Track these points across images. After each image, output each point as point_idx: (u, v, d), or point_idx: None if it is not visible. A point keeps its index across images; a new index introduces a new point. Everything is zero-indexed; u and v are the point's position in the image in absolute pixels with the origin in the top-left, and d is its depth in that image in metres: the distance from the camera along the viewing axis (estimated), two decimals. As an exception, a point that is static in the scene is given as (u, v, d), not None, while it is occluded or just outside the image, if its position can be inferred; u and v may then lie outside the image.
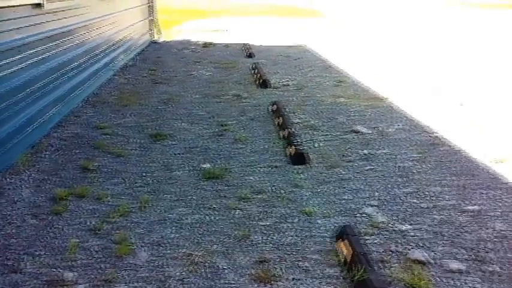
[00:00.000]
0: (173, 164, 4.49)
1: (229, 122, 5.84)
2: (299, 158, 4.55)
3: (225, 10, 22.82)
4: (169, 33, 13.64)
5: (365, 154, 4.91)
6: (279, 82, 8.11)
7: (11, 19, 4.42)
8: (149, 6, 12.17)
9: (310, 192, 3.98)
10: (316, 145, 5.12)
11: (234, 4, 26.15)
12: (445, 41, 13.72)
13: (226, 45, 12.02)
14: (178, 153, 4.77)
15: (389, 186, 4.16)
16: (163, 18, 14.40)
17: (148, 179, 4.15)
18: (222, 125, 5.70)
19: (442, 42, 13.52)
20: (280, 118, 5.68)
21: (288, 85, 7.92)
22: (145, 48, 10.95)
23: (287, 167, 4.51)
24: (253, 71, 8.81)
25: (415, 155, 4.92)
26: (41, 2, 5.04)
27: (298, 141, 4.84)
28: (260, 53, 11.09)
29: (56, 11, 5.56)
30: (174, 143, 5.07)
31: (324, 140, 5.29)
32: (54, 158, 4.51)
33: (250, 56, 10.46)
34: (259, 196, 3.88)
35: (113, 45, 8.36)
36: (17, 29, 4.56)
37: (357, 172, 4.45)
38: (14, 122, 4.40)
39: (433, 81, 8.67)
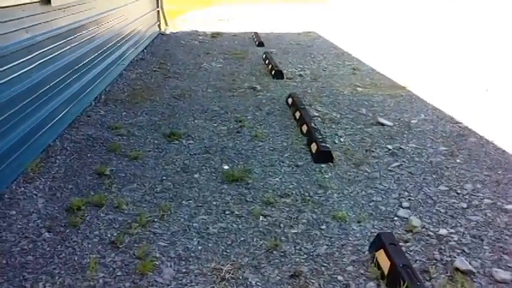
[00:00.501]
0: (191, 165, 4.27)
1: (246, 118, 5.60)
2: (323, 156, 4.32)
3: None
4: (174, 24, 13.35)
5: (391, 149, 4.67)
6: (292, 72, 7.85)
7: (19, 18, 4.19)
8: (156, -4, 11.89)
9: (337, 194, 3.75)
10: (338, 140, 4.88)
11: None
12: (461, 27, 13.31)
13: (235, 35, 11.73)
14: (196, 154, 4.55)
15: (419, 184, 3.93)
16: (168, 8, 14.09)
17: (167, 183, 3.94)
18: (238, 121, 5.47)
19: (457, 28, 13.13)
20: (299, 112, 5.44)
21: (302, 75, 7.65)
22: (153, 41, 10.69)
23: (310, 165, 4.28)
24: (265, 61, 8.53)
25: (443, 148, 4.67)
26: (49, -1, 4.79)
27: (320, 137, 4.58)
28: (270, 41, 10.80)
29: (64, 7, 5.32)
30: (190, 142, 4.85)
31: (346, 135, 5.05)
32: (68, 163, 4.30)
33: (260, 44, 10.18)
34: (284, 200, 3.66)
35: (122, 39, 8.11)
36: (26, 27, 4.33)
37: (385, 169, 4.22)
38: (25, 126, 4.20)
39: (451, 67, 8.37)
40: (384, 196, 3.74)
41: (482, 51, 9.79)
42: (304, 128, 5.01)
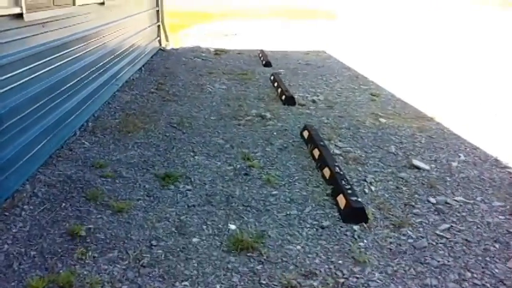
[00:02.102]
0: (189, 224, 3.34)
1: (254, 154, 4.69)
2: (355, 215, 3.39)
3: (231, 13, 21.64)
4: (176, 39, 12.50)
5: (435, 203, 3.75)
6: (304, 97, 6.96)
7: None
8: (157, 10, 11.02)
9: (380, 274, 2.82)
10: (368, 189, 3.96)
11: (240, 6, 24.94)
12: (480, 44, 12.48)
13: (240, 52, 10.87)
14: (195, 205, 3.62)
15: (482, 259, 3.01)
16: (169, 22, 13.25)
17: (157, 251, 3.01)
18: (245, 159, 4.56)
19: (476, 45, 12.30)
20: (318, 150, 4.52)
21: (316, 101, 6.76)
22: (152, 57, 9.82)
23: (339, 227, 3.35)
24: (273, 84, 7.65)
25: (498, 204, 3.76)
26: (22, 12, 3.90)
27: (348, 188, 3.66)
28: (277, 60, 9.93)
29: (43, 22, 4.43)
30: (188, 188, 3.92)
31: (377, 181, 4.13)
32: (36, 216, 3.38)
33: (267, 64, 9.31)
34: (310, 282, 2.73)
35: (117, 56, 7.23)
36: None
37: (433, 234, 3.29)
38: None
39: (478, 92, 7.49)
40: (439, 277, 2.82)
41: (502, 70, 8.92)
42: (327, 172, 4.09)
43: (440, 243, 3.20)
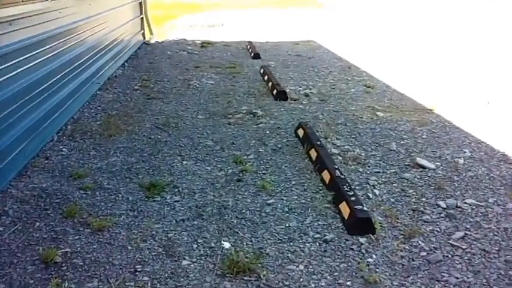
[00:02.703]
0: (177, 242, 2.98)
1: (247, 157, 4.33)
2: (361, 226, 3.05)
3: (220, 3, 21.09)
4: (162, 31, 12.03)
5: (445, 208, 3.43)
6: (297, 91, 6.59)
7: None
8: (140, 2, 10.53)
9: (394, 297, 2.47)
10: (372, 194, 3.62)
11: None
12: (475, 31, 12.17)
13: (227, 44, 10.44)
14: (183, 220, 3.26)
15: (504, 272, 2.69)
16: (156, 14, 12.78)
17: (143, 277, 2.64)
18: (237, 162, 4.20)
19: (470, 32, 11.99)
20: (315, 151, 4.16)
21: (309, 95, 6.39)
22: (136, 52, 9.36)
23: (344, 240, 3.01)
24: (263, 77, 7.26)
25: (513, 206, 3.42)
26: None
27: (351, 194, 3.31)
28: (266, 52, 9.53)
29: (11, 20, 3.99)
30: (175, 198, 3.56)
31: (380, 184, 3.79)
32: (6, 240, 3.00)
33: (256, 56, 8.91)
34: (317, 311, 2.37)
35: (98, 52, 6.79)
36: None
37: (446, 245, 2.97)
38: None
39: (475, 80, 7.17)
40: (460, 298, 2.48)
41: (497, 57, 8.62)
42: (326, 175, 3.74)
43: (456, 255, 2.88)
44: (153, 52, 9.47)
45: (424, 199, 3.56)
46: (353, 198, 3.27)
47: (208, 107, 5.88)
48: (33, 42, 4.46)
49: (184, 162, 4.24)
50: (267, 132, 4.99)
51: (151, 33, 10.90)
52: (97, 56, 6.73)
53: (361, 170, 4.08)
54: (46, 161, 4.20)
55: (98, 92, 6.42)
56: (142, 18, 10.55)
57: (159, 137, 4.84)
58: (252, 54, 9.01)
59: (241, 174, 3.98)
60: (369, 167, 4.15)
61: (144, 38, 10.56)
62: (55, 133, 4.83)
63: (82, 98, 5.84)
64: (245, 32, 12.13)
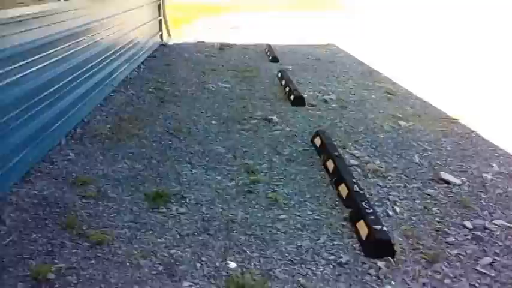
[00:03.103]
0: (180, 260, 2.76)
1: (260, 167, 4.08)
2: (379, 248, 2.77)
3: (239, 5, 20.89)
4: (179, 33, 11.86)
5: (471, 229, 3.13)
6: (314, 96, 6.32)
7: None
8: (159, 4, 10.38)
9: (416, 335, 2.20)
10: (392, 211, 3.34)
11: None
12: (500, 39, 11.72)
13: (245, 47, 10.22)
14: (188, 234, 3.03)
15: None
16: (174, 15, 12.64)
17: (139, 300, 2.41)
18: (249, 172, 3.96)
19: (496, 40, 11.54)
20: (332, 162, 3.89)
21: (327, 101, 6.12)
22: (153, 53, 9.20)
23: (361, 264, 2.74)
24: (280, 81, 7.01)
25: (548, 230, 3.10)
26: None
27: (370, 212, 3.04)
28: (284, 55, 9.27)
29: (18, 21, 3.83)
30: (181, 210, 3.33)
31: (402, 200, 3.51)
32: (-1, 251, 2.80)
33: (274, 60, 8.66)
34: None
35: (114, 53, 6.64)
36: None
37: (473, 272, 2.69)
38: None
39: (501, 89, 6.80)
40: (491, 337, 2.19)
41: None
42: (343, 190, 3.47)
43: (484, 284, 2.59)
44: (170, 54, 9.30)
45: (448, 218, 3.27)
46: (372, 217, 2.99)
47: (222, 111, 5.65)
48: (44, 42, 4.30)
49: (194, 170, 4.02)
50: (282, 140, 4.74)
51: (169, 34, 10.75)
52: (112, 58, 6.57)
53: (381, 183, 3.80)
54: (51, 166, 4.02)
55: (111, 94, 6.25)
56: (160, 20, 10.40)
57: (170, 142, 4.63)
58: (270, 58, 8.77)
59: (252, 186, 3.73)
60: (389, 180, 3.87)
61: (162, 39, 10.42)
62: (63, 136, 4.65)
63: (94, 101, 5.67)
64: (264, 35, 11.90)
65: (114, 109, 5.68)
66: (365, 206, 3.15)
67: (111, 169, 4.00)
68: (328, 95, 6.41)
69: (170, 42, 10.48)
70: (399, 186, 3.76)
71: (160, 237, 3.00)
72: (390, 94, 6.50)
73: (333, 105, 5.97)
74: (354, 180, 3.53)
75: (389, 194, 3.62)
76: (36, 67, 4.14)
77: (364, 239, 2.89)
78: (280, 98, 6.26)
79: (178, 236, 3.01)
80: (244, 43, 10.74)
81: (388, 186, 3.76)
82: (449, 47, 10.37)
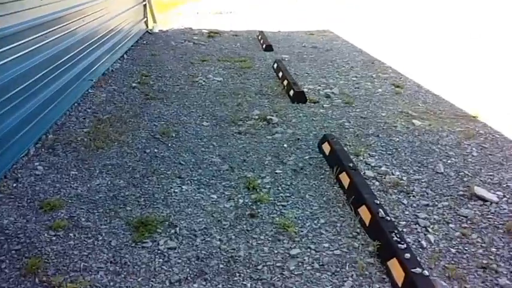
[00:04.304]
0: (171, 322, 2.11)
1: (262, 181, 3.45)
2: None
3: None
4: (166, 19, 11.07)
5: (525, 266, 2.51)
6: (316, 91, 5.68)
7: None
8: (143, -13, 9.57)
9: None
10: (426, 241, 2.74)
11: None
12: (498, 24, 11.12)
13: (236, 34, 9.49)
14: (180, 280, 2.42)
15: None
16: (158, 0, 11.79)
17: None
18: (249, 188, 3.33)
19: (495, 25, 10.94)
20: (346, 174, 3.27)
21: (330, 96, 5.48)
22: (137, 42, 8.45)
23: (400, 322, 2.12)
24: (277, 73, 6.34)
25: None
26: None
27: (403, 246, 2.43)
28: (279, 43, 8.58)
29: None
30: (171, 244, 2.71)
31: (433, 223, 2.93)
32: None
33: (268, 48, 7.96)
34: None
35: (93, 44, 5.91)
36: None
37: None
38: None
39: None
40: None
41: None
42: (365, 214, 2.86)
43: None
44: (156, 42, 8.55)
45: (494, 250, 2.68)
46: (407, 255, 2.38)
47: (215, 110, 4.99)
48: (5, 35, 3.58)
49: (184, 187, 3.37)
50: (285, 145, 4.10)
51: (154, 21, 9.97)
52: (91, 49, 5.85)
53: (405, 201, 3.19)
54: (14, 185, 3.35)
55: (90, 91, 5.54)
56: (145, 5, 9.60)
57: (156, 150, 3.97)
58: (264, 46, 8.07)
59: (255, 207, 3.10)
60: (414, 197, 3.26)
61: (147, 26, 9.64)
62: (32, 144, 3.96)
63: (70, 99, 4.97)
64: (255, 21, 11.17)
65: (92, 108, 4.98)
66: (396, 238, 2.53)
67: (86, 187, 3.34)
68: (331, 88, 5.77)
69: (156, 30, 9.70)
70: (427, 205, 3.16)
71: (145, 285, 2.36)
72: (397, 87, 5.88)
73: (337, 100, 5.34)
74: (377, 202, 2.91)
75: (418, 216, 3.01)
76: (0, 62, 3.44)
77: (400, 285, 2.28)
78: (278, 92, 5.60)
79: (167, 283, 2.38)
80: (235, 29, 10.01)
81: (413, 205, 3.16)
82: (451, 36, 9.74)
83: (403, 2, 14.80)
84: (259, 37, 8.76)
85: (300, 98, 5.23)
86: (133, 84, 5.88)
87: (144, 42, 8.57)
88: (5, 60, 3.58)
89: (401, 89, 5.82)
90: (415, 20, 11.56)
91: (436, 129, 4.50)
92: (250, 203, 3.16)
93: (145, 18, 9.59)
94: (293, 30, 9.96)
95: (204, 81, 6.08)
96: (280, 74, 6.16)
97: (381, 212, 2.78)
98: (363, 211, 2.91)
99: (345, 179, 3.31)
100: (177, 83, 5.99)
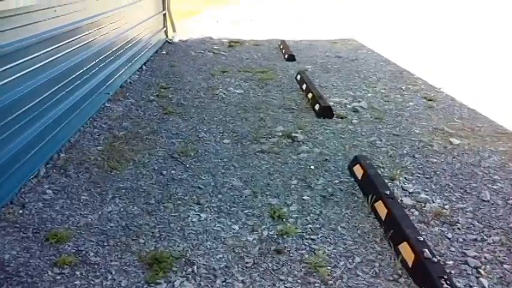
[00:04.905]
0: None
1: (288, 209, 3.12)
2: None
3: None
4: (186, 28, 10.83)
5: None
6: (342, 104, 5.32)
7: None
8: (163, -4, 9.37)
9: None
10: (478, 286, 2.34)
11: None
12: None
13: (257, 43, 9.20)
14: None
15: None
16: (179, 8, 11.61)
17: None
18: (274, 218, 3.00)
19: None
20: (383, 204, 2.91)
21: (358, 110, 5.12)
22: (157, 52, 8.21)
23: None
24: (300, 85, 6.01)
25: None
26: None
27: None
28: (301, 52, 8.25)
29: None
30: (188, 286, 2.38)
31: (484, 263, 2.59)
32: None
33: (290, 58, 7.63)
34: None
35: (110, 56, 5.68)
36: None
37: None
38: None
39: None
40: None
41: None
42: (408, 253, 2.49)
43: None
44: (176, 53, 8.31)
45: (561, 299, 2.27)
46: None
47: (235, 126, 4.68)
48: (14, 49, 3.33)
49: (203, 215, 3.06)
50: (312, 167, 3.76)
51: (174, 30, 9.75)
52: (107, 61, 5.61)
53: (450, 235, 2.82)
54: (21, 211, 3.08)
55: (106, 105, 5.30)
56: (164, 14, 9.38)
57: (173, 172, 3.67)
58: (286, 56, 7.75)
59: (281, 241, 2.77)
60: (459, 229, 2.89)
61: (167, 36, 9.41)
62: (43, 164, 3.70)
63: (84, 114, 4.72)
64: (276, 29, 10.88)
65: (108, 124, 4.72)
66: (446, 285, 2.16)
67: (97, 214, 3.05)
68: (358, 102, 5.41)
69: (175, 39, 9.48)
70: (475, 240, 2.78)
71: None
72: (430, 100, 5.49)
73: (366, 115, 4.97)
74: (421, 238, 2.54)
75: (466, 254, 2.64)
76: (6, 80, 3.18)
77: None
78: (303, 107, 5.27)
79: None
80: (256, 38, 9.72)
81: (460, 239, 2.78)
82: (475, 43, 9.28)
83: (403, 2, 14.34)
84: (281, 46, 8.45)
85: (326, 112, 4.89)
86: (152, 97, 5.62)
87: (164, 52, 8.33)
88: (12, 78, 3.33)
89: (434, 102, 5.43)
90: (423, 22, 11.11)
91: (476, 148, 4.10)
92: (275, 236, 2.83)
93: (165, 28, 9.38)
94: (315, 39, 9.63)
95: (224, 93, 5.78)
96: (304, 86, 5.82)
97: (426, 252, 2.41)
98: (405, 249, 2.54)
99: (381, 209, 2.95)
100: (197, 95, 5.71)
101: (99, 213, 3.08)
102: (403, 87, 6.05)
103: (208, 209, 3.14)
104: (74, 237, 2.81)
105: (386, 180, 3.36)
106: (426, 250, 2.43)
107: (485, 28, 9.14)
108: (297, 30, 10.61)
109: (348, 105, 5.30)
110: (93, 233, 2.85)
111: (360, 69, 7.03)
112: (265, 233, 2.87)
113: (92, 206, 3.17)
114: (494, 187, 3.42)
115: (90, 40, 5.02)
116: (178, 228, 2.91)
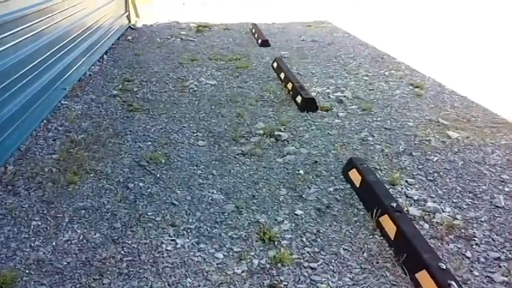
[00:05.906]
0: None
1: (279, 228, 2.64)
2: None
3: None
4: (150, 11, 10.08)
5: None
6: (325, 94, 4.85)
7: None
8: (124, -22, 8.59)
9: None
10: (518, 327, 1.93)
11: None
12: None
13: (227, 27, 8.59)
14: None
15: None
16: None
17: None
18: (264, 239, 2.52)
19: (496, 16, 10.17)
20: (391, 220, 2.46)
21: (343, 101, 4.66)
22: (119, 39, 7.50)
23: None
24: (278, 73, 5.49)
25: None
26: None
27: None
28: (275, 36, 7.71)
29: None
30: None
31: (509, 286, 2.11)
32: None
33: (264, 44, 7.07)
34: None
35: (66, 46, 5.00)
36: None
37: None
38: None
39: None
40: None
41: None
42: (427, 283, 2.03)
43: None
44: (140, 40, 7.62)
45: None
46: None
47: (210, 124, 4.14)
48: None
49: (179, 241, 2.54)
50: (301, 171, 3.27)
51: (137, 15, 9.01)
52: (63, 51, 4.94)
53: (469, 254, 2.40)
54: (-46, 246, 2.47)
55: (62, 102, 4.65)
56: (126, -2, 8.63)
57: (142, 184, 3.11)
58: (260, 41, 7.19)
59: (275, 271, 2.28)
60: (477, 245, 2.48)
61: (130, 21, 8.66)
62: (-14, 181, 3.08)
63: (37, 116, 4.08)
64: (246, 10, 10.25)
65: (64, 126, 4.10)
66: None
67: (51, 246, 2.49)
68: (342, 91, 4.95)
69: (139, 24, 8.75)
70: (498, 259, 2.37)
71: None
72: (417, 87, 5.08)
73: (352, 107, 4.52)
74: (443, 266, 2.10)
75: (492, 279, 2.22)
76: None
77: None
78: (283, 98, 4.76)
79: None
80: (225, 22, 9.09)
81: (481, 259, 2.37)
82: (454, 32, 8.95)
83: (402, 2, 13.95)
84: (253, 31, 7.88)
85: (309, 105, 4.40)
86: (114, 92, 4.99)
87: (127, 39, 7.62)
88: None
89: (422, 89, 5.03)
90: (413, 16, 10.74)
91: (477, 143, 3.71)
92: (268, 266, 2.34)
93: (127, 13, 8.63)
94: (288, 22, 9.08)
95: (195, 85, 5.21)
96: (282, 75, 5.31)
97: (454, 286, 1.97)
98: (425, 280, 2.10)
99: (388, 226, 2.49)
100: (165, 88, 5.12)
101: (53, 244, 2.52)
102: (387, 73, 5.62)
103: (185, 233, 2.62)
104: (22, 279, 2.24)
105: (385, 182, 2.91)
106: (453, 283, 1.99)
107: (489, 28, 8.82)
108: (269, 13, 10.02)
109: (331, 96, 4.82)
110: (46, 273, 2.29)
111: (339, 54, 6.56)
112: (255, 262, 2.38)
113: (44, 235, 2.59)
114: (506, 189, 3.03)
115: (41, 29, 4.34)
116: (151, 261, 2.39)
